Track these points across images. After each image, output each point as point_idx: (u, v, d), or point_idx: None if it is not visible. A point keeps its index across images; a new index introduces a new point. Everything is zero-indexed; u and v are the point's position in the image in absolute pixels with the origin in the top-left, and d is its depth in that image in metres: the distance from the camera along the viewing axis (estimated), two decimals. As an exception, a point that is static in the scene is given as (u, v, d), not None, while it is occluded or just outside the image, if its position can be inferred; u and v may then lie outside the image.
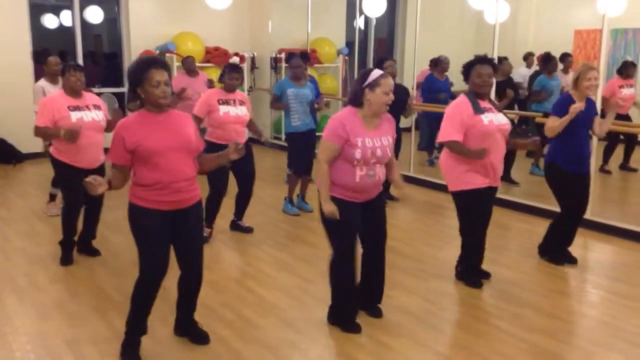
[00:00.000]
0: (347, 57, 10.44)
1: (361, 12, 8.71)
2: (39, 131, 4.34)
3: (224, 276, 4.40)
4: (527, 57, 8.98)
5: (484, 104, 3.94)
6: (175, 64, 9.06)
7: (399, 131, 6.42)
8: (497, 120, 3.92)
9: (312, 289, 4.08)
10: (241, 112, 5.06)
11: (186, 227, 3.06)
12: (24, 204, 6.26)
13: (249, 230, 5.37)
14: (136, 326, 3.11)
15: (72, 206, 4.49)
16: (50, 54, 5.93)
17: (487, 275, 4.26)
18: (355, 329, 3.45)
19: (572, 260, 4.58)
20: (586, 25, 9.74)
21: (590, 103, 4.36)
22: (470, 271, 4.19)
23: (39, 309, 3.76)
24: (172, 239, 3.07)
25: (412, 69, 7.86)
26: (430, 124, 8.15)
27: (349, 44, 10.40)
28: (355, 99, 3.30)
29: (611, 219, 5.45)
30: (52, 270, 4.43)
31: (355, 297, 3.53)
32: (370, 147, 3.23)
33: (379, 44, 11.56)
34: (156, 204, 2.95)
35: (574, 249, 4.68)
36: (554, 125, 4.23)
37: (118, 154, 2.92)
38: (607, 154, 7.61)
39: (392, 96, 3.26)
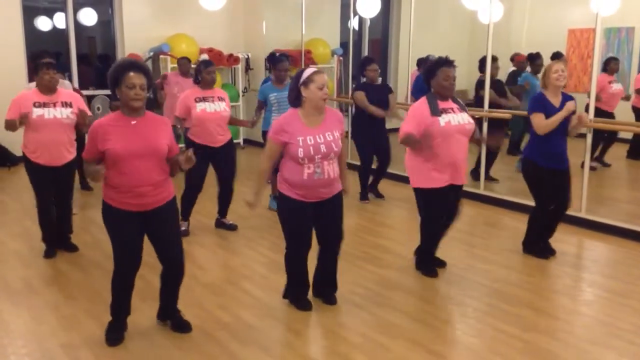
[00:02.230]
0: (341, 58, 10.44)
1: (355, 13, 8.71)
2: (5, 124, 4.43)
3: (219, 278, 4.39)
4: (514, 58, 9.06)
5: (445, 104, 4.03)
6: (170, 65, 9.05)
7: (386, 132, 6.43)
8: (456, 120, 4.01)
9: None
10: (219, 107, 5.09)
11: (158, 225, 3.19)
12: (19, 207, 6.23)
13: (233, 227, 5.41)
14: (118, 308, 3.31)
15: (42, 202, 4.65)
16: (46, 54, 5.88)
17: (442, 263, 4.44)
18: (306, 306, 3.70)
19: (551, 252, 4.69)
20: (579, 24, 9.78)
21: (566, 100, 4.40)
22: (427, 261, 4.35)
23: (34, 313, 3.75)
24: (149, 236, 3.22)
25: (407, 70, 7.87)
26: None
27: (344, 45, 10.40)
28: (294, 99, 3.44)
29: (604, 217, 5.47)
30: (47, 273, 4.42)
31: (306, 282, 3.77)
32: (312, 145, 3.35)
33: (373, 45, 11.57)
34: (123, 205, 3.09)
35: (568, 247, 4.69)
36: (547, 122, 4.31)
37: (90, 150, 3.09)
38: (592, 151, 7.63)
39: (326, 90, 3.38)
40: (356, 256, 4.69)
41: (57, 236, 4.80)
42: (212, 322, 3.57)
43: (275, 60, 5.93)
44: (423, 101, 4.06)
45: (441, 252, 4.48)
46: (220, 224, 5.48)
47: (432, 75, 4.05)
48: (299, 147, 3.33)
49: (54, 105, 4.43)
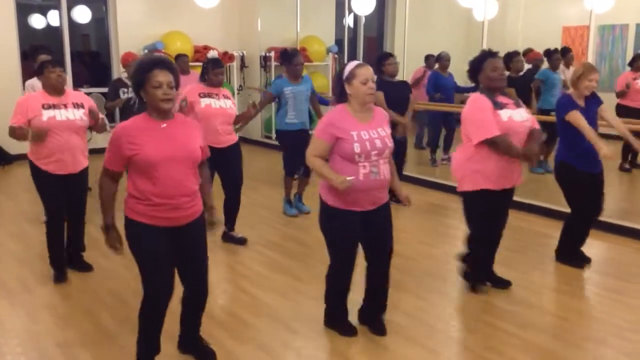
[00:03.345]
0: (336, 55, 10.43)
1: (350, 11, 8.72)
2: (10, 130, 3.99)
3: (217, 276, 4.38)
4: (527, 53, 8.96)
5: (500, 98, 3.75)
6: (165, 63, 9.02)
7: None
8: (517, 116, 3.71)
9: (306, 288, 4.08)
10: (225, 104, 4.84)
11: (188, 244, 2.86)
12: (14, 206, 6.20)
13: (242, 241, 5.05)
14: (147, 345, 2.92)
15: (54, 216, 4.20)
16: (40, 49, 5.66)
17: (506, 283, 4.10)
18: (351, 331, 3.41)
19: (586, 260, 4.55)
20: (574, 21, 9.81)
21: (591, 101, 4.25)
22: (479, 275, 4.04)
23: (30, 312, 3.74)
24: (175, 256, 2.86)
25: (402, 68, 7.85)
26: (435, 122, 8.15)
27: (339, 42, 10.40)
28: (340, 96, 3.23)
29: (601, 215, 5.47)
30: (43, 272, 4.39)
31: (347, 303, 3.46)
32: (367, 139, 3.11)
33: (369, 42, 11.56)
34: (154, 220, 2.72)
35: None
36: (588, 127, 4.10)
37: (114, 159, 2.72)
38: (626, 152, 7.62)
39: (371, 84, 3.13)
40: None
41: (68, 255, 4.37)
42: (209, 321, 3.55)
43: (289, 55, 5.69)
44: (479, 95, 3.72)
45: (437, 250, 4.49)
46: (229, 237, 5.06)
47: (479, 70, 3.74)
48: (355, 142, 3.06)
49: (65, 106, 4.02)
